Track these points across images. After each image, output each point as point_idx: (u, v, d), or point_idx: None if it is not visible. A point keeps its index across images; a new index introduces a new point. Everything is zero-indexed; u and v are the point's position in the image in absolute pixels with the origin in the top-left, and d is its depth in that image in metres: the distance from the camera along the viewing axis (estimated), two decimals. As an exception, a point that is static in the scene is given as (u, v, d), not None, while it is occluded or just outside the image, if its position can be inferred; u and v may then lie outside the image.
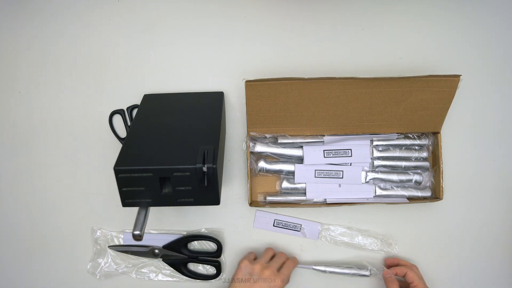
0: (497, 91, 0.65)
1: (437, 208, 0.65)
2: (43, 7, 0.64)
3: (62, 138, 0.65)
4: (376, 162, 0.62)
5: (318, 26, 0.64)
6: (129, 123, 0.64)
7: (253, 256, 0.62)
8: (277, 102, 0.57)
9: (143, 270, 0.66)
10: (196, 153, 0.46)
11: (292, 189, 0.63)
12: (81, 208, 0.65)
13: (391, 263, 0.64)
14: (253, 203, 0.62)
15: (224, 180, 0.65)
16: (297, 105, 0.58)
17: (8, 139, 0.65)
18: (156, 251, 0.64)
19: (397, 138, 0.62)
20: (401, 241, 0.65)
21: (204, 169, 0.45)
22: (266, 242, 0.65)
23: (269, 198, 0.63)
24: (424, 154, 0.63)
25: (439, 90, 0.57)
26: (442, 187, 0.61)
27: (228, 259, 0.66)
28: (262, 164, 0.62)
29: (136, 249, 0.64)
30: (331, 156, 0.62)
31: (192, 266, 0.66)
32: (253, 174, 0.63)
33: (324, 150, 0.62)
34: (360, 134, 0.61)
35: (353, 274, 0.63)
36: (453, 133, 0.64)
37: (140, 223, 0.47)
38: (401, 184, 0.63)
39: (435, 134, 0.62)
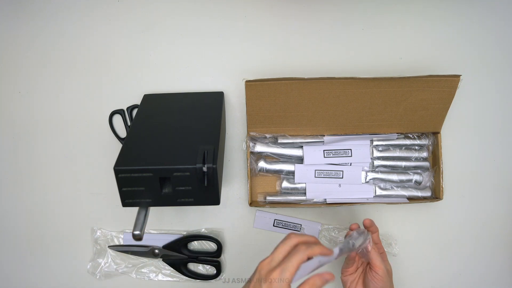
0: (497, 91, 0.65)
1: (437, 208, 0.65)
2: (43, 7, 0.64)
3: (62, 138, 0.65)
4: (376, 162, 0.62)
5: (318, 26, 0.64)
6: (129, 123, 0.64)
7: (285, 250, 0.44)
8: (277, 102, 0.57)
9: (143, 270, 0.66)
10: (196, 153, 0.46)
11: (292, 189, 0.63)
12: (81, 208, 0.65)
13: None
14: (253, 203, 0.62)
15: (224, 180, 0.65)
16: (297, 105, 0.58)
17: (8, 139, 0.65)
18: (156, 251, 0.64)
19: (397, 138, 0.62)
20: (401, 241, 0.65)
21: (204, 169, 0.45)
22: (266, 242, 0.65)
23: (269, 198, 0.63)
24: (424, 154, 0.63)
25: (439, 90, 0.57)
26: (442, 187, 0.61)
27: (228, 259, 0.66)
28: (262, 164, 0.62)
29: (136, 249, 0.64)
30: (331, 156, 0.62)
31: (192, 266, 0.66)
32: (253, 174, 0.63)
33: (324, 150, 0.62)
34: (360, 134, 0.61)
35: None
36: (453, 133, 0.64)
37: (140, 223, 0.46)
38: (401, 184, 0.63)
39: (435, 134, 0.62)
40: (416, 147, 0.63)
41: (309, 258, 0.42)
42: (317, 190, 0.62)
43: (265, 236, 0.65)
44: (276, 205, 0.63)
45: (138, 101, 0.63)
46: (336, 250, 0.44)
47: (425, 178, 0.62)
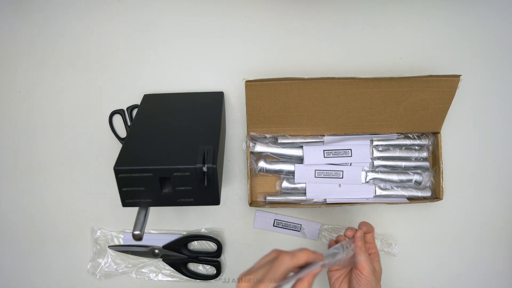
0: (497, 91, 0.65)
1: (437, 208, 0.65)
2: (43, 7, 0.64)
3: (62, 138, 0.65)
4: (376, 162, 0.62)
5: (318, 26, 0.64)
6: (129, 123, 0.64)
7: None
8: (277, 102, 0.57)
9: (143, 270, 0.66)
10: (196, 153, 0.46)
11: (292, 189, 0.63)
12: (81, 208, 0.65)
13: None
14: (253, 203, 0.62)
15: (224, 180, 0.65)
16: (297, 105, 0.58)
17: (8, 139, 0.65)
18: (156, 251, 0.64)
19: (397, 138, 0.62)
20: (401, 241, 0.65)
21: (204, 169, 0.45)
22: (266, 242, 0.65)
23: (269, 198, 0.63)
24: (424, 154, 0.63)
25: (439, 90, 0.57)
26: (442, 187, 0.61)
27: (228, 259, 0.66)
28: (262, 164, 0.62)
29: (136, 249, 0.64)
30: (331, 156, 0.62)
31: (192, 266, 0.66)
32: (253, 174, 0.63)
33: (324, 150, 0.62)
34: (360, 134, 0.61)
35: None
36: (453, 133, 0.64)
37: (140, 223, 0.47)
38: (401, 184, 0.63)
39: (435, 134, 0.62)
40: (416, 147, 0.63)
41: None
42: (317, 190, 0.62)
43: (265, 236, 0.65)
44: (276, 205, 0.63)
45: (138, 101, 0.63)
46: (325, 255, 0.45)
47: (425, 178, 0.62)
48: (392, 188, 0.62)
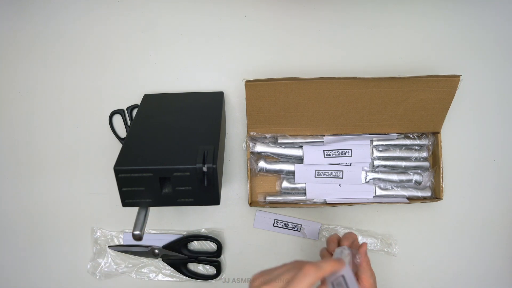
0: (497, 91, 0.65)
1: (437, 208, 0.65)
2: (43, 7, 0.64)
3: (62, 138, 0.65)
4: (376, 162, 0.62)
5: (318, 26, 0.64)
6: (129, 123, 0.64)
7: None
8: (277, 102, 0.57)
9: (143, 270, 0.66)
10: (196, 153, 0.46)
11: (292, 189, 0.63)
12: (81, 208, 0.65)
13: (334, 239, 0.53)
14: (253, 203, 0.62)
15: (224, 180, 0.65)
16: (297, 105, 0.58)
17: (8, 139, 0.65)
18: (156, 251, 0.64)
19: (397, 138, 0.62)
20: (401, 241, 0.65)
21: (204, 169, 0.45)
22: (266, 242, 0.65)
23: (269, 198, 0.63)
24: (424, 154, 0.63)
25: (439, 90, 0.57)
26: (442, 187, 0.61)
27: (228, 259, 0.66)
28: (262, 164, 0.62)
29: (136, 249, 0.64)
30: (331, 156, 0.62)
31: (192, 266, 0.66)
32: (253, 174, 0.63)
33: (324, 150, 0.62)
34: (360, 134, 0.61)
35: None
36: (453, 133, 0.64)
37: (140, 223, 0.47)
38: (401, 184, 0.63)
39: (435, 134, 0.62)
40: (416, 147, 0.63)
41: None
42: (317, 190, 0.62)
43: (265, 236, 0.65)
44: (276, 205, 0.63)
45: (138, 101, 0.63)
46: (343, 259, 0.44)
47: (425, 178, 0.62)
48: (392, 188, 0.62)
